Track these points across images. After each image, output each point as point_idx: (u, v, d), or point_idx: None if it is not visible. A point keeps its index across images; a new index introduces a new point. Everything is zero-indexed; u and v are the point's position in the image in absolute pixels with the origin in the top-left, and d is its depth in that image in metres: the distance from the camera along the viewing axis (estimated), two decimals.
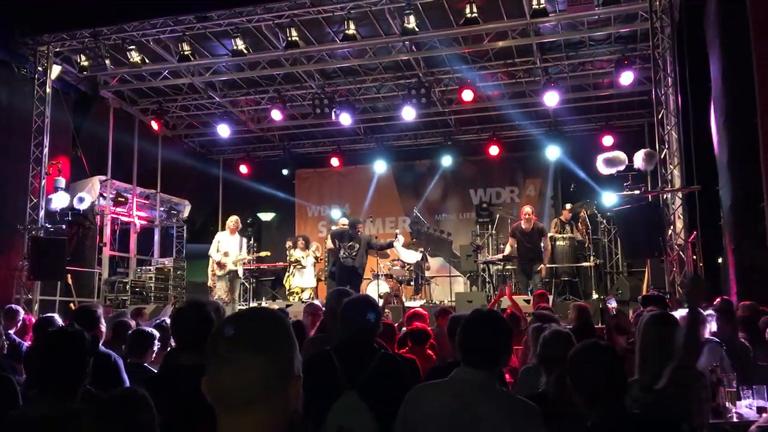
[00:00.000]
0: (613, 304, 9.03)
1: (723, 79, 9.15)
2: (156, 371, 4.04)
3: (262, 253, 14.23)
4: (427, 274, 13.90)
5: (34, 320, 7.23)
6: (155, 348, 4.86)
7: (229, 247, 12.21)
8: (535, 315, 5.86)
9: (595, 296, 12.28)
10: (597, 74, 13.75)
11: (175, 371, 3.07)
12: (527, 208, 12.27)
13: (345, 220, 13.33)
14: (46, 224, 12.19)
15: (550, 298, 10.61)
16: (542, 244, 11.90)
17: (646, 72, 11.68)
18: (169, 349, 5.03)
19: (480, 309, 3.04)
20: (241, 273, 12.57)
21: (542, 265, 11.86)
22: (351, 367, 3.22)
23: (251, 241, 16.65)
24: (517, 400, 2.77)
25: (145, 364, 4.66)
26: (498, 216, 14.40)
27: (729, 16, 8.87)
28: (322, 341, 3.96)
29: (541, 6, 10.18)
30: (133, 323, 6.01)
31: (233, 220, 12.55)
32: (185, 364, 2.99)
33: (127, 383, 4.06)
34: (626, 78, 11.88)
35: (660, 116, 9.78)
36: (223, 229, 12.91)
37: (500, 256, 12.72)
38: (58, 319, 5.72)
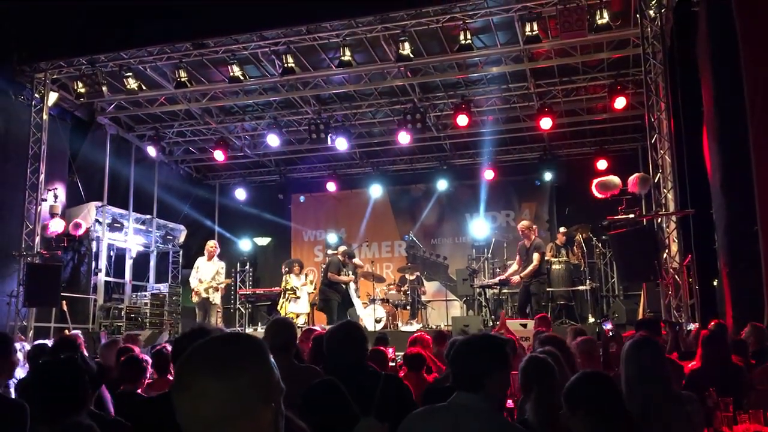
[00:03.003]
0: (608, 326, 9.00)
1: (715, 104, 9.21)
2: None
3: (223, 281, 12.96)
4: (423, 298, 13.88)
5: (28, 347, 7.17)
6: (148, 375, 4.82)
7: (203, 274, 12.12)
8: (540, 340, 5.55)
9: (591, 320, 12.26)
10: (590, 99, 13.88)
11: (167, 397, 3.07)
12: (523, 223, 12.11)
13: (343, 247, 13.40)
14: (42, 250, 12.16)
15: None
16: (534, 258, 11.60)
17: (639, 97, 11.78)
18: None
19: (471, 334, 3.04)
20: (217, 300, 12.33)
21: (518, 276, 11.64)
22: (359, 393, 3.20)
23: (247, 266, 16.66)
24: (511, 425, 2.76)
25: (138, 392, 4.61)
26: (494, 240, 14.43)
27: (719, 41, 8.96)
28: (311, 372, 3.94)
29: (534, 33, 10.30)
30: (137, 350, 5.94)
31: (211, 244, 12.47)
32: None
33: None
34: (619, 103, 12.01)
35: (653, 140, 9.87)
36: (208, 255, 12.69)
37: (496, 279, 12.65)
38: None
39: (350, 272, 12.96)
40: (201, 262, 12.40)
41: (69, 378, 2.87)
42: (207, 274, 12.15)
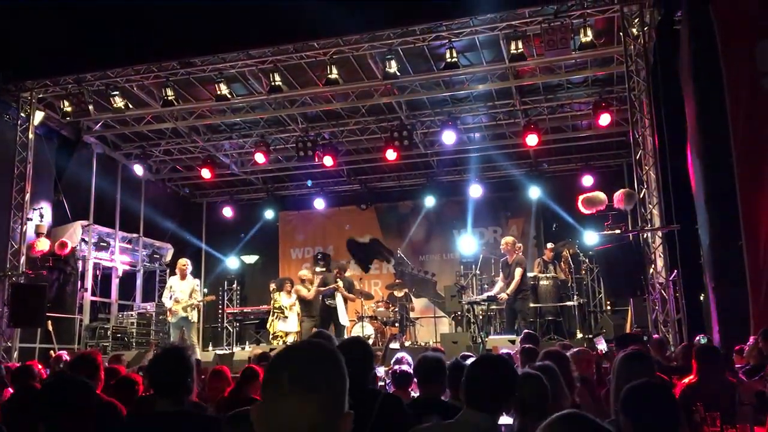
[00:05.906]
0: (602, 345, 8.98)
1: (698, 120, 9.33)
2: None
3: (207, 297, 13.42)
4: (411, 315, 13.85)
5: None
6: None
7: (179, 293, 11.92)
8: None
9: (579, 335, 12.27)
10: (575, 116, 14.01)
11: (150, 418, 3.03)
12: (507, 239, 12.05)
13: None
14: (27, 270, 12.04)
15: None
16: (515, 274, 11.48)
17: (624, 113, 11.90)
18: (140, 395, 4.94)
19: (487, 354, 3.05)
20: (194, 318, 12.08)
21: (504, 294, 11.52)
22: (356, 412, 3.19)
23: (234, 285, 16.58)
24: None
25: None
26: (482, 256, 14.44)
27: (701, 59, 9.09)
28: None
29: (519, 51, 10.40)
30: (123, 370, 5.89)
31: (183, 262, 12.27)
32: (161, 411, 2.96)
33: None
34: (604, 120, 12.10)
35: (638, 157, 9.96)
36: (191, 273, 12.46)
37: (485, 296, 12.62)
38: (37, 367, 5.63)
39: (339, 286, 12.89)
40: (174, 281, 12.13)
41: (83, 397, 2.81)
42: (183, 293, 11.88)
